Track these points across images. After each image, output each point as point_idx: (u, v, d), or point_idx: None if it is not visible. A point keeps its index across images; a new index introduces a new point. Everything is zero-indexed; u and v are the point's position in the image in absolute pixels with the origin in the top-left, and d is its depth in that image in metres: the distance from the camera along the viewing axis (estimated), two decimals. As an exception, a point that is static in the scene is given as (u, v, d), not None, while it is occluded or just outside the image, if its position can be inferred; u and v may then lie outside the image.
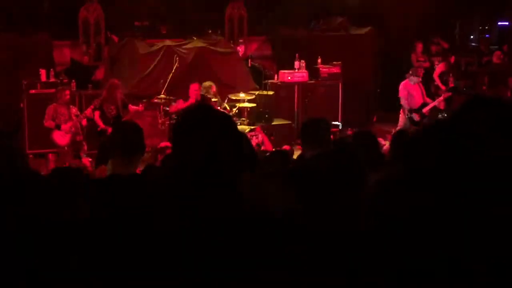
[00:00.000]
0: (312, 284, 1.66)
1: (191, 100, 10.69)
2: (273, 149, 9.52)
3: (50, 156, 8.59)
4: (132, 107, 10.08)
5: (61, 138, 9.76)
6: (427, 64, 14.62)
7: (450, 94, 12.19)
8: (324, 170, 3.17)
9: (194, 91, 10.77)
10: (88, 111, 9.83)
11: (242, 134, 1.96)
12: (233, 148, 1.80)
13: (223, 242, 1.68)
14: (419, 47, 14.53)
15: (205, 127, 1.81)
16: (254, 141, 10.41)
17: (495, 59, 13.99)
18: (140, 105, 10.26)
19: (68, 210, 2.79)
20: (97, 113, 9.79)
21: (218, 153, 1.77)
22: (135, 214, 2.18)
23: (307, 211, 2.03)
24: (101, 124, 9.65)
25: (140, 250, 1.81)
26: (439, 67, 13.53)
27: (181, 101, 10.84)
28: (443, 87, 12.96)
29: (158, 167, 5.45)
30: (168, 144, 10.06)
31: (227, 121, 1.87)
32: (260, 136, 10.85)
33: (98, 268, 1.99)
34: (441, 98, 11.89)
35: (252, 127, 11.10)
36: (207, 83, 11.20)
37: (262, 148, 10.76)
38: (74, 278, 2.20)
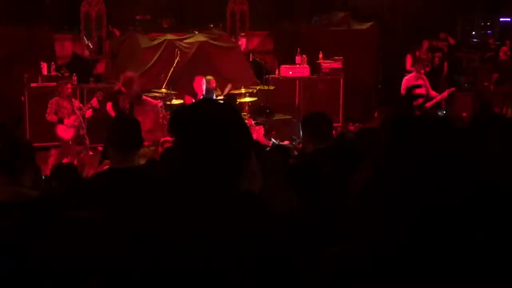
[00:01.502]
0: (311, 284, 1.66)
1: (199, 96, 10.66)
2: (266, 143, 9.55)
3: (53, 151, 8.61)
4: (147, 98, 10.14)
5: (65, 132, 9.76)
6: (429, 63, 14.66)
7: (454, 89, 12.20)
8: (325, 166, 3.19)
9: (200, 84, 10.76)
10: (94, 101, 9.80)
11: (247, 126, 1.95)
12: (238, 142, 1.80)
13: (223, 240, 1.68)
14: (425, 44, 14.56)
15: (209, 121, 1.81)
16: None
17: (501, 55, 13.88)
18: (158, 101, 10.35)
19: (69, 207, 2.80)
20: (109, 104, 9.76)
21: (223, 147, 1.77)
22: (133, 207, 2.19)
23: (308, 209, 2.03)
24: (113, 114, 9.61)
25: (137, 246, 1.82)
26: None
27: (187, 97, 10.81)
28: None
29: (159, 161, 5.46)
30: (169, 138, 10.08)
31: (232, 114, 1.87)
32: (254, 131, 10.83)
33: (94, 266, 2.00)
34: (445, 93, 11.89)
35: (254, 122, 11.10)
36: (207, 77, 11.23)
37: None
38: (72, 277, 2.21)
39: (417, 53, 14.66)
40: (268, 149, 6.28)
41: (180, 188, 1.80)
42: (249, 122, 10.79)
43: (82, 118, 9.85)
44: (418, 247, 1.51)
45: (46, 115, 9.72)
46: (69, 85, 9.95)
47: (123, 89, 9.81)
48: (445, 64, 15.20)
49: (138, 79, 10.14)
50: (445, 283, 1.50)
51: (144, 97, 10.20)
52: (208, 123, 1.79)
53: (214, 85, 11.26)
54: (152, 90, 11.25)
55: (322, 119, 4.51)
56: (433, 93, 11.71)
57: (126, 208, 2.47)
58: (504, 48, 14.02)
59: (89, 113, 9.94)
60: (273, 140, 10.84)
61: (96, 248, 2.39)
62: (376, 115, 14.24)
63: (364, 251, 1.57)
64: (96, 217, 2.80)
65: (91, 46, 13.45)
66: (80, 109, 9.91)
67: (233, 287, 1.68)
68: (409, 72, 13.25)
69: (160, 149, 8.99)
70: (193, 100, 10.59)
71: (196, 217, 1.73)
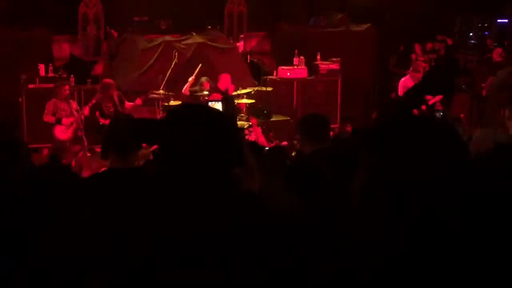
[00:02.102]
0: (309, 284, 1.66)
1: (230, 92, 10.80)
2: (268, 145, 9.54)
3: (45, 151, 8.64)
4: (128, 104, 10.13)
5: (62, 133, 9.74)
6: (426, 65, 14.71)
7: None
8: (323, 167, 3.19)
9: (229, 81, 10.82)
10: (86, 110, 9.85)
11: (238, 129, 1.96)
12: (226, 144, 1.80)
13: (223, 240, 1.68)
14: (417, 47, 14.62)
15: (198, 123, 1.81)
16: (252, 138, 10.40)
17: (495, 57, 13.81)
18: (138, 100, 10.30)
19: (65, 207, 2.79)
20: (97, 113, 9.87)
21: (211, 148, 1.77)
22: (131, 208, 2.19)
23: (307, 209, 2.02)
24: (101, 120, 9.70)
25: (137, 246, 1.81)
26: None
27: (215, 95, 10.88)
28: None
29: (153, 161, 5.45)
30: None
31: (220, 117, 1.87)
32: (254, 132, 10.82)
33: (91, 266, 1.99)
34: (441, 95, 11.87)
35: (249, 123, 11.09)
36: (202, 79, 11.24)
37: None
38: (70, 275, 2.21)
39: (413, 56, 14.74)
40: (267, 149, 6.29)
41: (179, 189, 1.80)
42: (253, 121, 10.86)
43: (80, 119, 9.85)
44: (418, 248, 1.51)
45: (44, 116, 9.70)
46: (66, 87, 9.95)
47: (99, 94, 9.90)
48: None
49: (115, 86, 10.20)
50: (445, 284, 1.50)
51: (126, 103, 10.22)
52: (200, 125, 1.80)
53: (208, 86, 11.27)
54: (150, 91, 11.24)
55: (319, 120, 4.52)
56: (427, 96, 11.68)
57: (125, 208, 2.47)
58: (499, 50, 13.96)
59: (86, 111, 9.93)
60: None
61: (95, 249, 2.39)
62: (374, 116, 14.25)
63: (364, 251, 1.57)
64: (94, 218, 2.81)
65: (89, 46, 13.45)
66: (77, 110, 9.90)
67: (233, 287, 1.68)
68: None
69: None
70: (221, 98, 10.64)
71: (196, 217, 1.73)
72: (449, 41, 15.35)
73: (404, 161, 1.55)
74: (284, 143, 10.57)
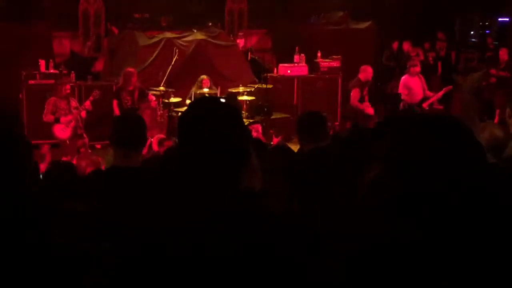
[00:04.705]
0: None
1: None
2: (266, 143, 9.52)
3: (45, 148, 8.62)
4: (151, 97, 10.27)
5: (62, 132, 9.71)
6: (421, 58, 14.69)
7: (450, 87, 12.12)
8: (322, 165, 3.19)
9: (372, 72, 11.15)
10: (87, 104, 9.83)
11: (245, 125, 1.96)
12: (238, 139, 1.80)
13: (222, 239, 1.68)
14: (405, 45, 14.67)
15: (213, 118, 1.81)
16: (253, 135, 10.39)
17: (506, 57, 13.29)
18: (154, 100, 10.45)
19: (67, 202, 2.80)
20: (115, 102, 9.95)
21: (222, 144, 1.77)
22: (131, 205, 2.19)
23: (305, 209, 2.02)
24: (117, 112, 9.78)
25: (136, 244, 1.82)
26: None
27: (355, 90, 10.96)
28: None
29: (157, 158, 5.45)
30: (163, 136, 10.12)
31: (235, 112, 1.88)
32: (255, 129, 10.80)
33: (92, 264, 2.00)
34: (442, 92, 11.82)
35: (251, 121, 11.07)
36: (200, 77, 11.23)
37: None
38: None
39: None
40: (270, 149, 6.27)
41: (179, 186, 1.80)
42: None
43: (79, 117, 9.84)
44: (425, 248, 1.50)
45: (43, 116, 9.69)
46: (68, 86, 9.92)
47: (120, 84, 10.01)
48: (439, 64, 15.19)
49: (136, 75, 10.25)
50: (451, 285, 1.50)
51: (150, 95, 10.32)
52: (207, 121, 1.79)
53: (208, 84, 11.26)
54: (150, 88, 11.24)
55: (317, 119, 4.49)
56: (428, 93, 11.63)
57: (126, 205, 2.47)
58: (506, 50, 13.44)
59: (83, 113, 9.93)
60: None
61: (93, 243, 2.39)
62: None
63: (368, 250, 1.57)
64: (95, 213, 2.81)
65: (89, 43, 13.44)
66: (77, 108, 9.89)
67: (231, 286, 1.68)
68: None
69: (156, 147, 8.97)
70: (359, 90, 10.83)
71: (196, 215, 1.73)
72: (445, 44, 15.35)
73: (417, 163, 1.55)
74: (277, 139, 10.52)
